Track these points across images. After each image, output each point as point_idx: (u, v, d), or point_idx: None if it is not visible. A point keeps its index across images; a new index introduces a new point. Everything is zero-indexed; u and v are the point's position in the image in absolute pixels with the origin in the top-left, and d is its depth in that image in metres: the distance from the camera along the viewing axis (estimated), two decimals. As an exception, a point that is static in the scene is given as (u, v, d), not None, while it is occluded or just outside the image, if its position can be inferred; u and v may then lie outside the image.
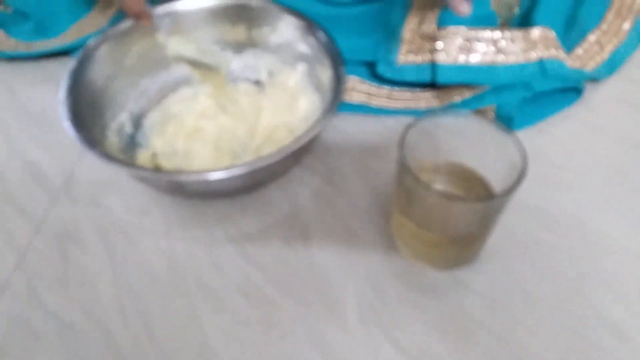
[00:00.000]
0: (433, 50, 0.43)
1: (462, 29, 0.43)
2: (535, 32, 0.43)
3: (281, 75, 0.47)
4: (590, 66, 0.46)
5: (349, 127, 0.45)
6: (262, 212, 0.40)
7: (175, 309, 0.35)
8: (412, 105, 0.46)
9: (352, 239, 0.38)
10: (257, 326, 0.34)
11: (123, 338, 0.34)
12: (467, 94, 0.44)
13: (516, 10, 0.48)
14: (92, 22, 0.54)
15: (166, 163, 0.43)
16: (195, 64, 0.47)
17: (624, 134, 0.43)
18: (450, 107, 0.44)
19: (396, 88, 0.47)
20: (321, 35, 0.42)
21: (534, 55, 0.42)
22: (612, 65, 0.47)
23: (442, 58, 0.43)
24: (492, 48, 0.42)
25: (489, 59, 0.42)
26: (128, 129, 0.43)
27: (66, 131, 0.36)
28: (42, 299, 0.36)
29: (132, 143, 0.43)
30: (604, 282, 0.34)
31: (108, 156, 0.35)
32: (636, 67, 0.48)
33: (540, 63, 0.42)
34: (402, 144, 0.30)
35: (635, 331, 0.32)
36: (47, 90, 0.50)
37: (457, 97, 0.44)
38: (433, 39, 0.44)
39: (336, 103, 0.37)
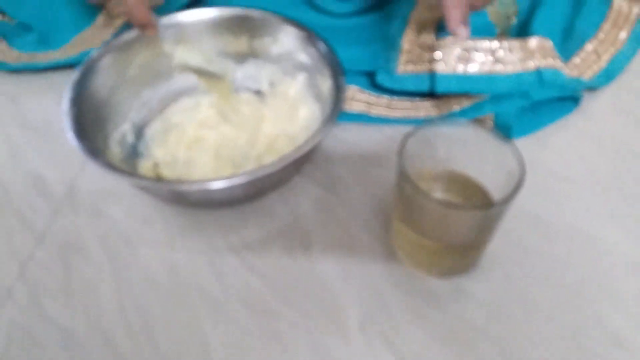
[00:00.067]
0: (432, 60, 0.44)
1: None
2: (533, 41, 0.43)
3: (282, 85, 0.47)
4: (587, 75, 0.46)
5: (349, 136, 0.45)
6: (263, 221, 0.40)
7: (177, 318, 0.35)
8: (411, 114, 0.46)
9: (353, 247, 0.38)
10: (258, 335, 0.34)
11: (125, 347, 0.34)
12: (466, 103, 0.44)
13: (514, 21, 0.49)
14: (95, 34, 0.55)
15: (168, 173, 0.43)
16: (200, 72, 0.48)
17: (621, 142, 0.44)
18: (449, 116, 0.45)
19: (395, 97, 0.47)
20: (321, 45, 0.43)
21: (531, 64, 0.42)
22: (609, 74, 0.47)
23: (440, 68, 0.43)
24: (490, 58, 0.43)
25: (487, 68, 0.42)
26: (130, 138, 0.44)
27: (69, 141, 0.36)
28: (45, 309, 0.36)
29: (133, 153, 0.43)
30: (604, 290, 0.35)
31: (110, 166, 0.35)
32: (634, 76, 0.48)
33: (538, 72, 0.42)
34: (401, 152, 0.31)
35: (634, 339, 0.32)
36: (49, 101, 0.51)
37: (456, 106, 0.44)
38: (432, 49, 0.44)
39: (336, 112, 0.37)
